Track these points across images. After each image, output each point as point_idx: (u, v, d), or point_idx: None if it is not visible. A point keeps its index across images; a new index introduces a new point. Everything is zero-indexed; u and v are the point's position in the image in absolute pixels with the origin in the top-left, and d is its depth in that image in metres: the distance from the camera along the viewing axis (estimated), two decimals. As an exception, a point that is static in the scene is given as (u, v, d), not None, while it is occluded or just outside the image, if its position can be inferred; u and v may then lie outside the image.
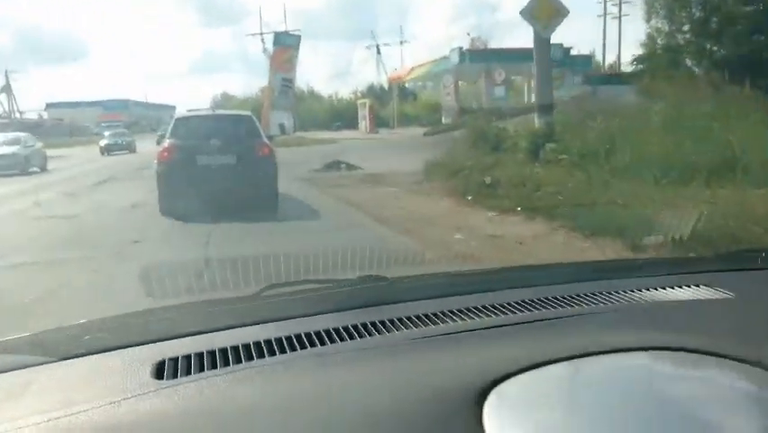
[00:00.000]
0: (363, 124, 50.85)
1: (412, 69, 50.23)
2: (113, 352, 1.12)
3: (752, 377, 0.87)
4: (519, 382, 0.84)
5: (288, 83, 45.50)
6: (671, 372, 0.96)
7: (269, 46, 49.01)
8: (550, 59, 14.04)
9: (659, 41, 20.19)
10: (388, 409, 0.82)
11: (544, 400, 0.84)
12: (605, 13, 49.53)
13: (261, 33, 62.86)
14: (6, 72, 66.79)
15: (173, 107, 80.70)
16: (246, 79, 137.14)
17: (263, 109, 46.97)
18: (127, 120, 71.11)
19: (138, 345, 1.15)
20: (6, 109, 67.37)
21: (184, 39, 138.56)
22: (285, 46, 44.99)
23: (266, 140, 9.82)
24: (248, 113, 11.43)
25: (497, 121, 16.87)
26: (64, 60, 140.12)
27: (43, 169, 23.47)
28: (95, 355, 1.12)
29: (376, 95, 77.98)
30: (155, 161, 9.42)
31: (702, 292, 1.36)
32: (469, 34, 61.81)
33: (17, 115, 75.44)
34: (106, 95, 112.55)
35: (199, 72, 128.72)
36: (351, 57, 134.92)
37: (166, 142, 9.30)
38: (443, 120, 47.08)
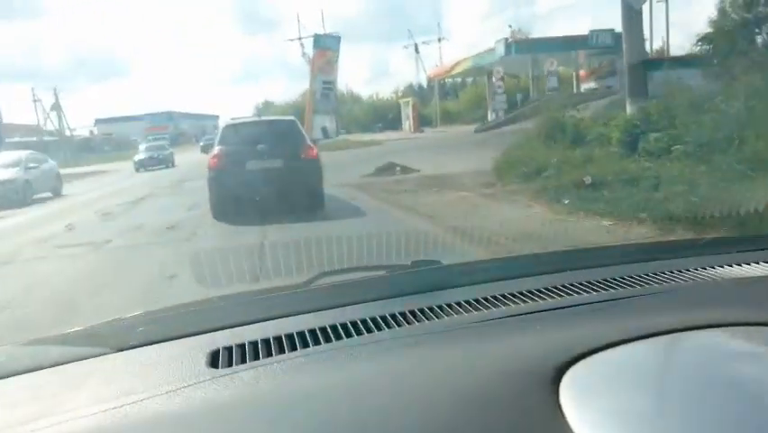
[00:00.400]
0: (407, 123, 49.37)
1: (454, 64, 48.39)
2: (167, 342, 1.12)
3: None
4: (593, 362, 0.80)
5: (329, 86, 44.32)
6: (750, 348, 0.89)
7: (309, 50, 48.28)
8: (642, 36, 12.14)
9: (733, 15, 17.91)
10: (456, 393, 0.78)
11: (620, 380, 0.80)
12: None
13: (300, 38, 62.67)
14: (55, 90, 67.78)
15: (216, 117, 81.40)
16: (287, 85, 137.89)
17: (306, 113, 46.04)
18: (173, 132, 71.64)
19: (192, 335, 1.14)
20: (57, 127, 68.70)
21: (224, 48, 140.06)
22: (325, 48, 43.85)
23: (310, 142, 9.88)
24: (291, 117, 11.48)
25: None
26: (111, 76, 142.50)
27: (57, 193, 19.07)
28: (150, 346, 1.12)
29: (416, 94, 77.18)
30: (207, 169, 9.49)
31: None
32: (510, 27, 60.81)
33: (68, 132, 78.65)
34: (152, 108, 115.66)
35: (241, 81, 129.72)
36: (389, 57, 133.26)
37: (216, 149, 9.41)
38: (489, 116, 45.26)
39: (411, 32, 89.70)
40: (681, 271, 1.26)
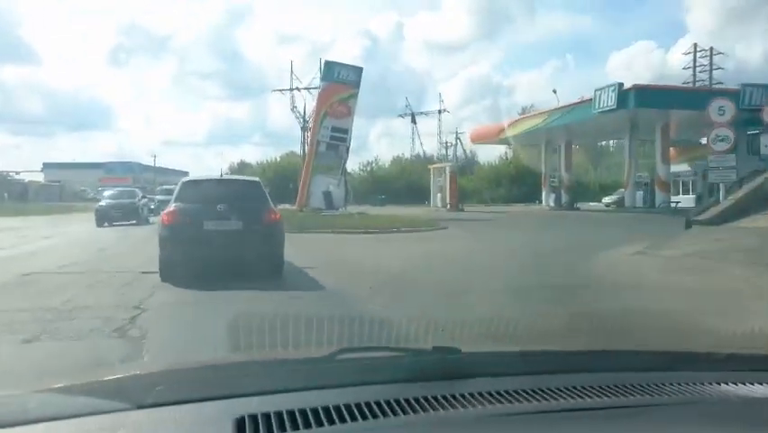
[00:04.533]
0: (439, 197, 36.11)
1: (509, 124, 35.56)
2: (190, 404, 1.13)
3: None
4: None
5: (340, 135, 31.12)
6: None
7: (300, 103, 36.36)
8: None
9: None
10: None
11: None
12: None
13: (292, 90, 51.32)
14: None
15: (185, 173, 68.75)
16: (264, 151, 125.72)
17: (303, 172, 32.52)
18: (131, 185, 59.62)
19: (215, 399, 1.15)
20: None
21: (202, 109, 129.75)
22: (339, 82, 31.00)
23: (272, 205, 9.09)
24: (256, 178, 11.31)
25: None
26: (86, 126, 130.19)
27: None
28: (173, 406, 1.12)
29: (421, 162, 66.44)
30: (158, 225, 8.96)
31: None
32: (555, 92, 48.53)
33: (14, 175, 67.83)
34: (111, 156, 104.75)
35: (217, 142, 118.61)
36: (382, 127, 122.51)
37: (171, 206, 8.72)
38: (546, 199, 32.54)
39: (408, 101, 78.89)
40: (695, 384, 1.26)
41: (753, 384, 1.30)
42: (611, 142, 54.39)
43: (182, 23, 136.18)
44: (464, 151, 61.85)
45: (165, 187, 42.20)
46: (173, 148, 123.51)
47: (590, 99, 27.71)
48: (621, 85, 25.59)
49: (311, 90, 53.40)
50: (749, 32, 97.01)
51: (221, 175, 11.71)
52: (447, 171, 35.31)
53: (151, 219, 25.96)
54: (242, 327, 3.28)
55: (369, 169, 65.34)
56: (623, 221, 21.62)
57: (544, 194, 38.32)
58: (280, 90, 53.61)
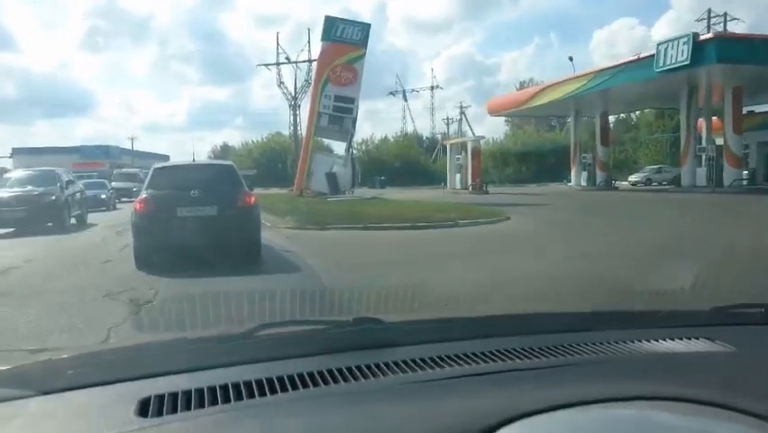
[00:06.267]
0: (458, 177, 31.39)
1: (534, 93, 30.78)
2: (96, 387, 1.09)
3: (756, 430, 0.86)
4: (519, 427, 0.84)
5: (346, 104, 26.16)
6: (669, 422, 0.94)
7: (287, 79, 31.19)
8: None
9: None
10: None
11: None
12: None
13: (278, 64, 46.29)
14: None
15: (166, 157, 63.84)
16: (247, 136, 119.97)
17: (302, 151, 27.69)
18: (107, 170, 54.75)
19: (122, 381, 1.11)
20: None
21: (183, 94, 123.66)
22: (342, 41, 25.96)
23: (247, 189, 8.89)
24: (229, 162, 11.08)
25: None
26: (65, 111, 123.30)
27: None
28: (77, 391, 1.09)
29: (420, 143, 61.76)
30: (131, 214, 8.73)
31: (701, 345, 1.31)
32: (571, 59, 43.88)
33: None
34: (86, 140, 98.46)
35: (198, 127, 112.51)
36: (369, 105, 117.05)
37: (143, 194, 8.48)
38: (575, 178, 27.98)
39: (399, 78, 73.85)
40: (610, 344, 1.29)
41: (666, 340, 1.33)
42: (632, 114, 49.96)
43: (161, 5, 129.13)
44: (470, 127, 56.94)
45: (123, 171, 36.84)
46: (154, 133, 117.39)
47: (647, 57, 23.04)
48: (696, 35, 20.91)
49: (299, 65, 48.52)
50: (731, 8, 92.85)
51: (193, 160, 11.52)
52: (469, 147, 30.54)
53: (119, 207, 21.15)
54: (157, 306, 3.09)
55: (364, 148, 60.35)
56: (718, 204, 17.10)
57: (573, 172, 33.75)
58: (266, 65, 48.61)
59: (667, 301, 4.04)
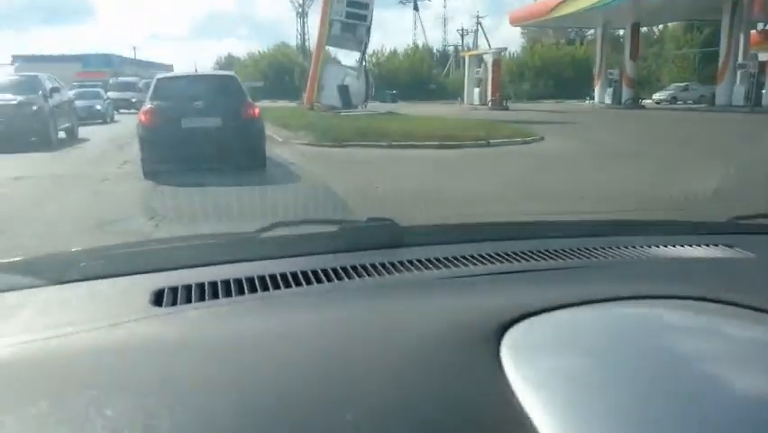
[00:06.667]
0: (477, 92, 29.84)
1: (562, 1, 28.63)
2: (109, 279, 1.10)
3: None
4: (534, 323, 0.84)
5: (359, 10, 24.30)
6: (688, 320, 0.93)
7: None
8: None
9: None
10: (400, 345, 0.79)
11: (558, 342, 0.84)
12: None
13: None
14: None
15: (170, 66, 61.69)
16: (251, 46, 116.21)
17: (312, 62, 26.16)
18: (113, 79, 53.31)
19: (136, 273, 1.12)
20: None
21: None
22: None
23: (251, 100, 9.00)
24: (231, 73, 11.17)
25: None
26: (64, 16, 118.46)
27: None
28: (90, 281, 1.09)
29: (424, 56, 59.21)
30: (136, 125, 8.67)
31: (720, 251, 1.31)
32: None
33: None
34: (89, 49, 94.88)
35: (201, 36, 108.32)
36: (380, 17, 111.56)
37: (147, 105, 8.56)
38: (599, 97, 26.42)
39: None
40: (626, 248, 1.31)
41: (683, 246, 1.33)
42: (655, 27, 47.25)
43: None
44: (487, 38, 54.31)
45: (121, 80, 35.04)
46: (156, 42, 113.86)
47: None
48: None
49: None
50: None
51: (195, 71, 11.84)
52: (490, 60, 28.76)
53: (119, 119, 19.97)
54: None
55: (374, 61, 57.91)
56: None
57: (597, 89, 32.07)
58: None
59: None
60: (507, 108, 26.61)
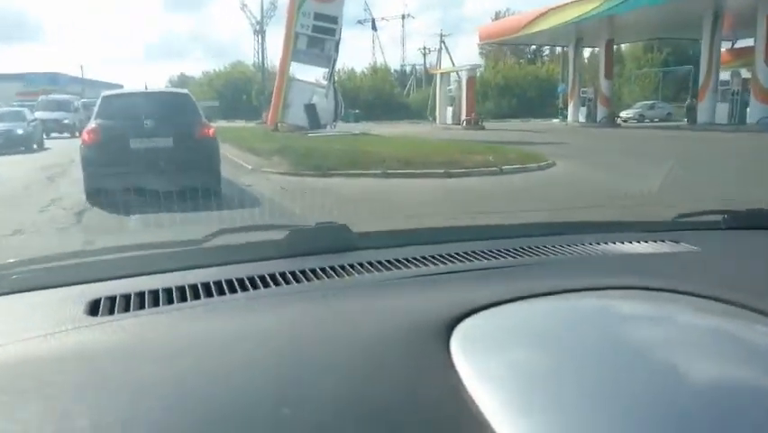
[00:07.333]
0: (450, 111, 28.52)
1: (540, 15, 27.79)
2: (41, 291, 1.07)
3: (717, 311, 0.88)
4: (483, 317, 0.84)
5: (327, 24, 22.72)
6: (635, 308, 0.95)
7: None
8: None
9: None
10: (352, 343, 0.80)
11: (508, 335, 0.84)
12: None
13: None
14: None
15: (119, 86, 58.57)
16: (207, 68, 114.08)
17: (276, 79, 24.43)
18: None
19: (73, 284, 1.09)
20: None
21: (141, 21, 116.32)
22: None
23: (205, 119, 8.48)
24: (184, 90, 10.47)
25: None
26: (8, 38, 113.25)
27: None
28: (23, 294, 1.06)
29: (386, 75, 58.34)
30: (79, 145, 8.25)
31: (667, 246, 1.35)
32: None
33: None
34: (35, 67, 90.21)
35: (155, 58, 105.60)
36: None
37: (92, 123, 8.00)
38: (573, 115, 25.42)
39: (368, 5, 69.78)
40: (577, 245, 1.32)
41: (631, 243, 1.36)
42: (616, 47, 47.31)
43: None
44: (450, 56, 53.53)
45: (52, 97, 28.31)
46: (108, 64, 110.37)
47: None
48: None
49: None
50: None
51: (145, 88, 11.15)
52: (464, 78, 27.47)
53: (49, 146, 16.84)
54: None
55: (335, 79, 56.51)
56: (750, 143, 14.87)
57: (571, 107, 31.24)
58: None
59: None
60: (482, 128, 25.35)
